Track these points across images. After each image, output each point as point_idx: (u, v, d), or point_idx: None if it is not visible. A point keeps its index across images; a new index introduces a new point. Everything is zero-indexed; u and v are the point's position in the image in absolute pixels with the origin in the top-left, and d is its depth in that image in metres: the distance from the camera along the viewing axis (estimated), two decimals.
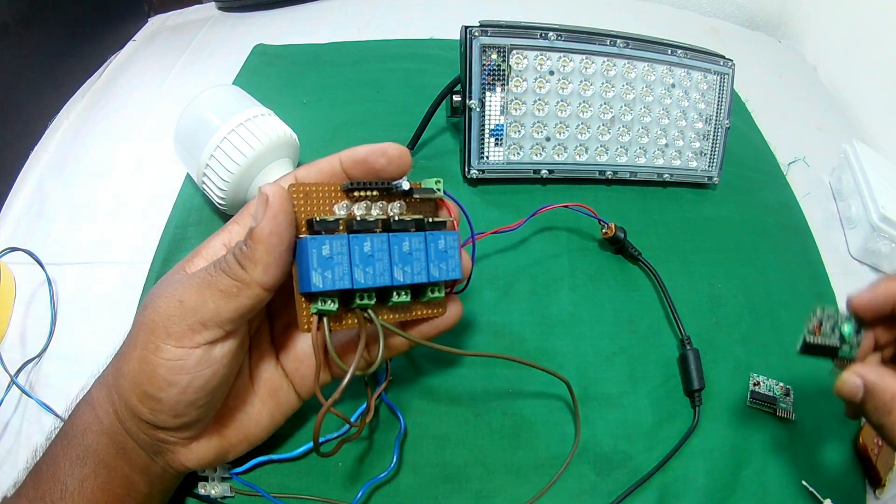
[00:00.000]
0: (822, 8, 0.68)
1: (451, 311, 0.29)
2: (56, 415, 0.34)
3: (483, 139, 0.43)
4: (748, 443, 0.36)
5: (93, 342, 0.38)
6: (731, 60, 0.47)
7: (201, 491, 0.30)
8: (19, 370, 0.37)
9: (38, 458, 0.26)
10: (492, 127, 0.43)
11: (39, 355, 0.38)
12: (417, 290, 0.26)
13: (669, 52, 0.45)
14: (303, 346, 0.29)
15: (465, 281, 0.30)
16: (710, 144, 0.48)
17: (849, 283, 0.44)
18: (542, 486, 0.32)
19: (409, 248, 0.24)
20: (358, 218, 0.24)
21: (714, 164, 0.48)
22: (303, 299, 0.24)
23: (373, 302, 0.24)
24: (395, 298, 0.25)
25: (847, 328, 0.28)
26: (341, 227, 0.24)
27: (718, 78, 0.47)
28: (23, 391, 0.35)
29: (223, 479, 0.31)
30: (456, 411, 0.35)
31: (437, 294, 0.27)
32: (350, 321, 0.25)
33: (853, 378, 0.27)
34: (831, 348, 0.29)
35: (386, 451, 0.33)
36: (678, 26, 0.69)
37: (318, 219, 0.24)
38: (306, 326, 0.24)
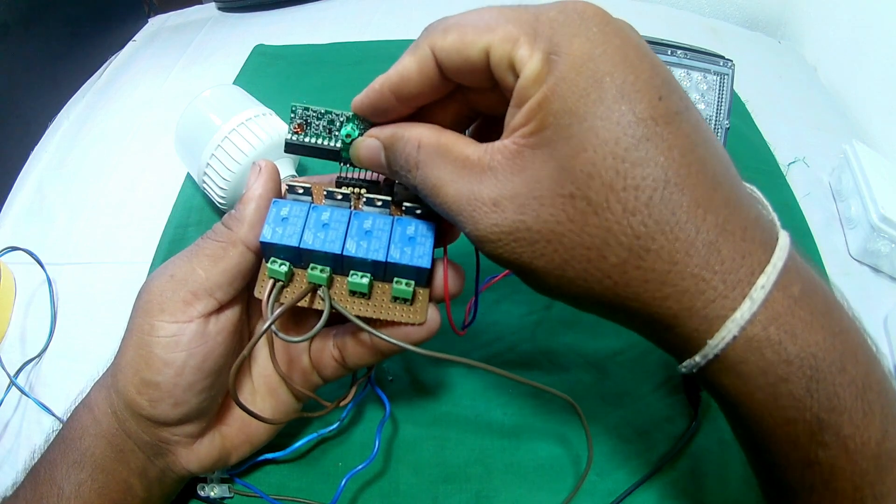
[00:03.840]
0: (822, 8, 0.68)
1: (429, 323, 0.25)
2: (55, 416, 0.34)
3: None
4: None
5: (93, 342, 0.38)
6: (731, 61, 0.47)
7: (201, 493, 0.30)
8: (19, 370, 0.37)
9: (36, 461, 0.26)
10: None
11: (39, 355, 0.38)
12: (381, 280, 0.25)
13: (669, 52, 0.45)
14: (292, 345, 0.29)
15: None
16: None
17: (849, 283, 0.44)
18: (543, 485, 0.32)
19: (370, 227, 0.24)
20: (329, 190, 0.24)
21: None
22: (265, 264, 0.25)
23: (325, 276, 0.24)
24: (352, 278, 0.24)
25: (350, 128, 0.24)
26: (317, 201, 0.25)
27: (718, 78, 0.47)
28: (22, 392, 0.35)
29: (222, 481, 0.31)
30: (456, 411, 0.35)
31: (404, 287, 0.24)
32: (301, 288, 0.24)
33: (367, 140, 0.24)
34: (327, 150, 0.25)
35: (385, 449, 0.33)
36: (678, 26, 0.69)
37: (290, 184, 0.25)
38: (259, 289, 0.25)
